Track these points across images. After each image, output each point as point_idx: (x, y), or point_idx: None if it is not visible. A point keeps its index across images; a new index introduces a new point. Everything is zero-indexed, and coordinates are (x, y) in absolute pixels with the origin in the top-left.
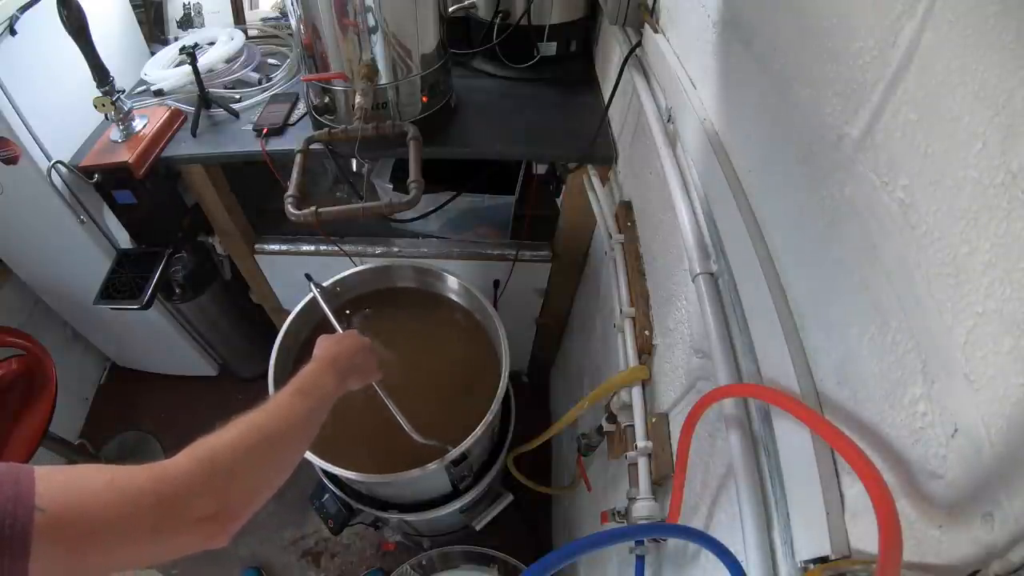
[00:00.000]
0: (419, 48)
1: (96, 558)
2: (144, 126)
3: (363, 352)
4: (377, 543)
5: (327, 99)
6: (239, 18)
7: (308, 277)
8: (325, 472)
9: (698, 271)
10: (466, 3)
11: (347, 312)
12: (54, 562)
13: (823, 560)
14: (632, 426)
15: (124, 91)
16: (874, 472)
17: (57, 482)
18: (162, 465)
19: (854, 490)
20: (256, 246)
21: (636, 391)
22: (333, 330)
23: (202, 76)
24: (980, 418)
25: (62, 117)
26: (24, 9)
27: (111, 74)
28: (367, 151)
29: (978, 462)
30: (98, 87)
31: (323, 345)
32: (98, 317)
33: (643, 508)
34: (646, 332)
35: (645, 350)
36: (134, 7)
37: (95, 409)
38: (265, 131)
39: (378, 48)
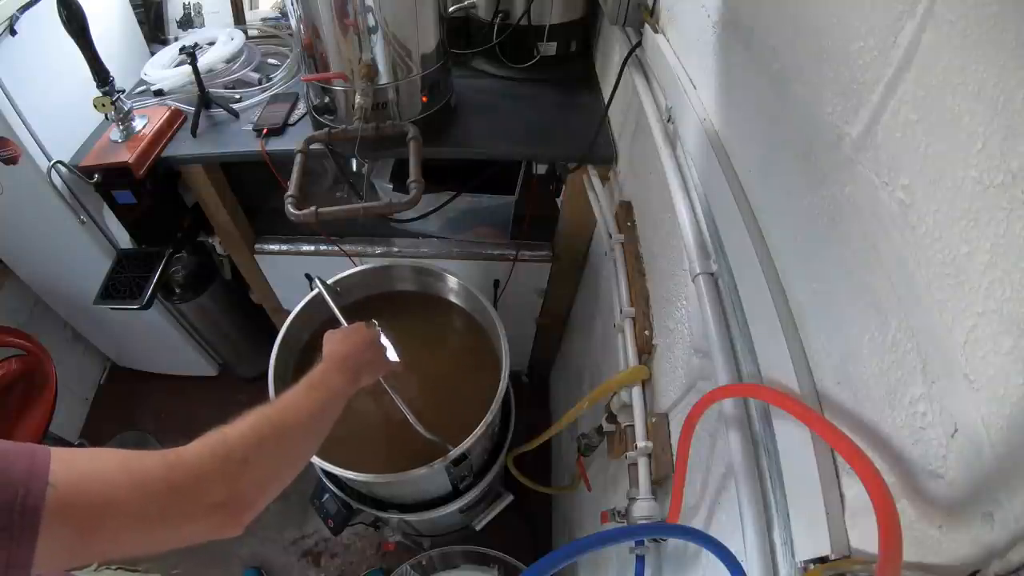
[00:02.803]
0: (419, 48)
1: (105, 539)
2: (144, 126)
3: (372, 347)
4: (377, 543)
5: (327, 99)
6: (239, 18)
7: (308, 276)
8: (325, 472)
9: (698, 271)
10: (466, 3)
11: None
12: (63, 540)
13: (823, 560)
14: (632, 426)
15: (124, 91)
16: (874, 472)
17: (70, 462)
18: (175, 451)
19: (854, 490)
20: (256, 246)
21: (636, 391)
22: (337, 326)
23: (202, 76)
24: (980, 418)
25: (62, 117)
26: (24, 9)
27: (111, 74)
28: (367, 151)
29: (978, 462)
30: (98, 87)
31: (331, 344)
32: (98, 317)
33: (643, 508)
34: (646, 332)
35: (645, 350)
36: (134, 7)
37: (95, 409)
38: (265, 131)
39: (378, 48)
